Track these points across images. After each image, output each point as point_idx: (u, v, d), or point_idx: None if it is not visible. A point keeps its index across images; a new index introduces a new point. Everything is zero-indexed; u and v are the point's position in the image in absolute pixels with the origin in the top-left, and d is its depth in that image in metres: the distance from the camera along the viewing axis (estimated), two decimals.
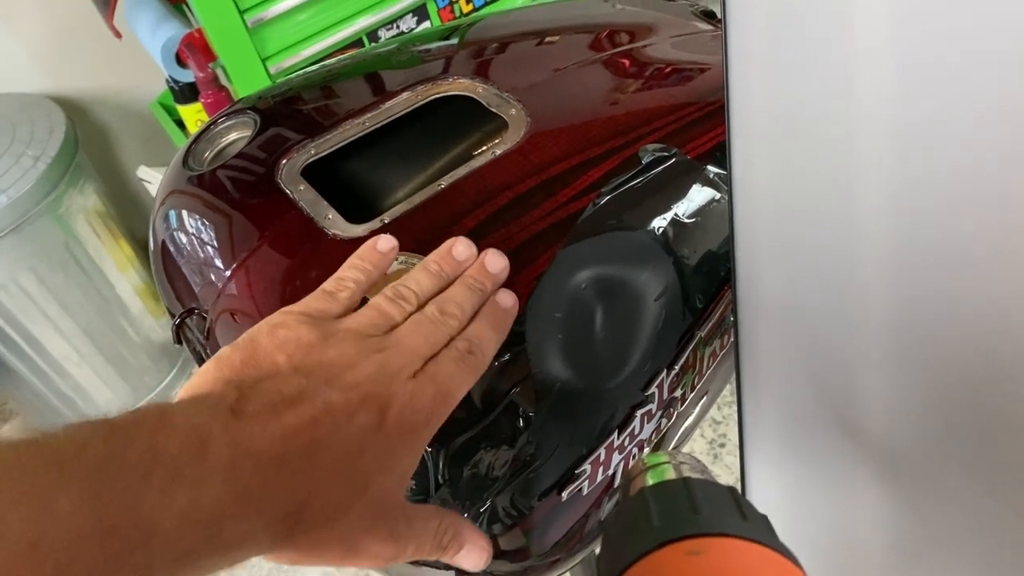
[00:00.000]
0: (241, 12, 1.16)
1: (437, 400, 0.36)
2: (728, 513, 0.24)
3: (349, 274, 0.40)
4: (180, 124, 1.52)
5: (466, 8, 1.37)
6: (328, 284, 0.40)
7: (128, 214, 1.71)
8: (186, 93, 1.35)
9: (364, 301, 0.40)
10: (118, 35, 1.31)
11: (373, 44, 1.31)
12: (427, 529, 0.37)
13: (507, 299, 0.42)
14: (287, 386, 0.33)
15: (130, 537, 0.26)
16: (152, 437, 0.28)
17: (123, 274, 1.59)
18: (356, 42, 1.28)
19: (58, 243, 1.45)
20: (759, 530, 0.23)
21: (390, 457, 0.34)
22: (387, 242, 0.42)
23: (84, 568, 0.25)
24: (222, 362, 0.35)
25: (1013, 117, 0.26)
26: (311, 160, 0.52)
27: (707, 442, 1.41)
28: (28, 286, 1.42)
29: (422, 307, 0.40)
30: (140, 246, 1.70)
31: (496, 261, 0.42)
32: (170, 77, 1.33)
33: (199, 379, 0.34)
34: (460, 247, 0.42)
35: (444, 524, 0.38)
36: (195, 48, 1.24)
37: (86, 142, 1.58)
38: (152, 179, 1.60)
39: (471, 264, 0.42)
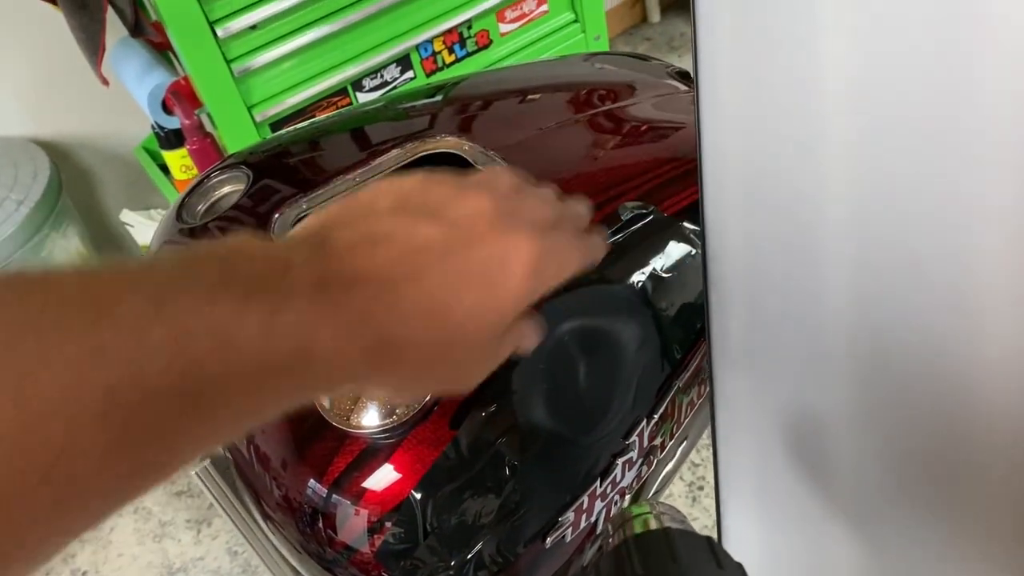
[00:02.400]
0: (228, 61, 1.19)
1: (551, 262, 0.34)
2: (705, 561, 0.26)
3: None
4: (164, 169, 1.54)
5: (448, 59, 1.40)
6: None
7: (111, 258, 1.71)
8: (171, 139, 1.37)
9: None
10: (105, 82, 1.33)
11: (358, 94, 1.33)
12: (507, 347, 0.36)
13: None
14: (383, 224, 0.31)
15: (202, 344, 0.23)
16: (226, 260, 0.26)
17: None
18: (341, 91, 1.31)
19: None
20: None
21: (496, 298, 0.32)
22: None
23: (156, 377, 0.22)
24: (318, 214, 0.33)
25: (971, 176, 0.29)
26: (303, 214, 0.54)
27: (686, 485, 1.42)
28: None
29: None
30: None
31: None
32: (156, 123, 1.35)
33: (290, 232, 0.32)
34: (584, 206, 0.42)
35: (516, 336, 0.36)
36: (181, 95, 1.27)
37: (70, 186, 1.60)
38: (135, 223, 1.61)
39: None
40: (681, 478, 1.43)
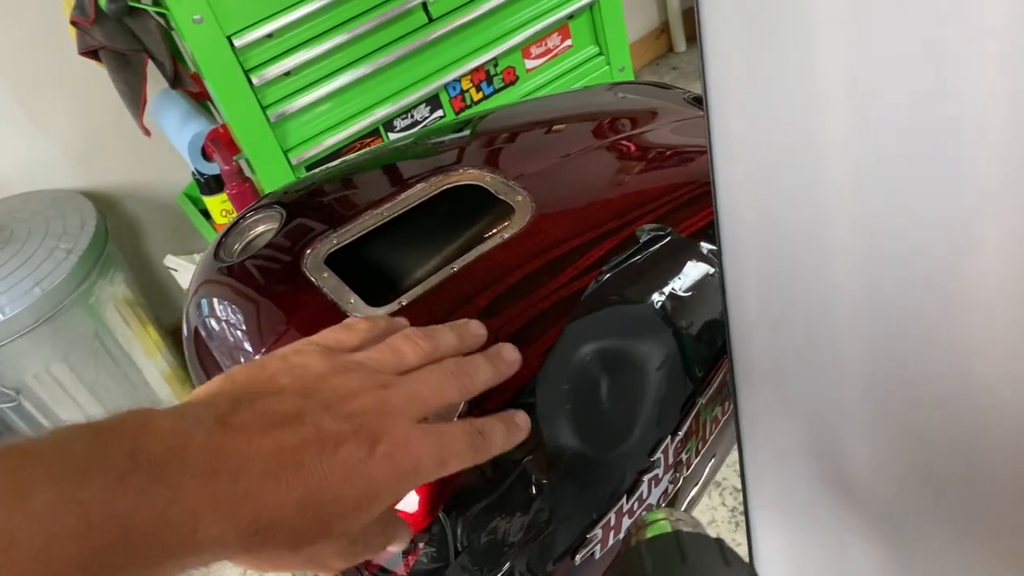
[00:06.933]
0: (263, 108, 1.23)
1: (433, 457, 0.36)
2: (713, 560, 0.27)
3: (365, 322, 0.42)
4: (205, 214, 1.59)
5: (476, 96, 1.43)
6: (349, 320, 0.42)
7: (155, 302, 1.76)
8: (212, 185, 1.42)
9: None
10: (147, 133, 1.38)
11: (389, 134, 1.37)
12: (377, 545, 0.39)
13: (522, 419, 0.42)
14: (283, 405, 0.34)
15: (106, 534, 0.27)
16: (135, 440, 0.29)
17: (151, 359, 1.64)
18: (373, 132, 1.35)
19: (89, 332, 1.49)
20: (741, 574, 0.26)
21: (370, 493, 0.34)
22: (404, 321, 0.44)
23: (61, 563, 0.26)
24: (228, 377, 0.36)
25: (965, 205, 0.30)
26: (334, 249, 0.56)
27: (728, 510, 1.41)
28: (60, 375, 1.47)
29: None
30: (167, 332, 1.75)
31: (512, 353, 0.43)
32: (196, 170, 1.39)
33: (203, 389, 0.35)
34: (475, 324, 0.44)
35: (388, 538, 0.40)
36: (220, 143, 1.31)
37: (115, 234, 1.65)
38: (179, 267, 1.66)
39: (483, 341, 0.44)
40: (724, 503, 1.42)
